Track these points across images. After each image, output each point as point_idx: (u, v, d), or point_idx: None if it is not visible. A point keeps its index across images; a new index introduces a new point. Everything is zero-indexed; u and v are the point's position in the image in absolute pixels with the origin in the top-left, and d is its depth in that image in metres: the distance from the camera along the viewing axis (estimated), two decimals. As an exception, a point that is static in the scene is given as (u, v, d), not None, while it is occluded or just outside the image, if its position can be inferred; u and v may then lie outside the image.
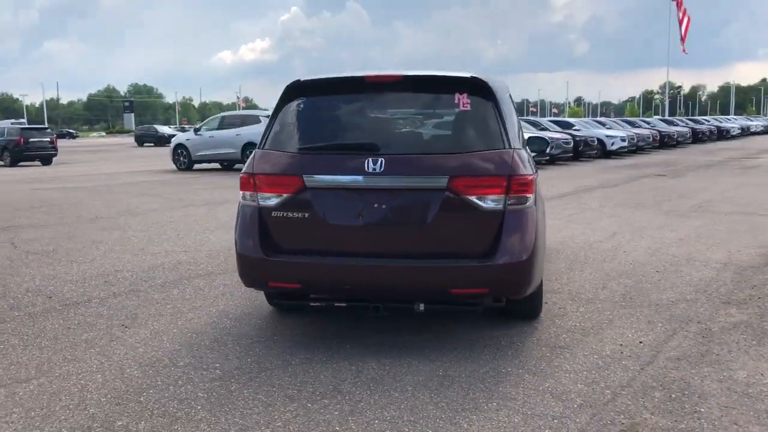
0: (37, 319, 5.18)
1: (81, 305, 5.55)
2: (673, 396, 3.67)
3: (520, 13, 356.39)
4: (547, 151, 20.88)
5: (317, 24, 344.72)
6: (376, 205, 4.18)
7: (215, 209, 11.52)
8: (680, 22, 52.38)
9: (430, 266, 4.12)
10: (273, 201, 4.32)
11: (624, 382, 3.87)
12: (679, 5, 52.37)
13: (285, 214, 4.30)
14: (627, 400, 3.62)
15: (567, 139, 23.59)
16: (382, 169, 4.12)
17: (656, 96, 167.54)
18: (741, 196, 12.95)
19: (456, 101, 4.38)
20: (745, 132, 53.13)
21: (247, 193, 4.44)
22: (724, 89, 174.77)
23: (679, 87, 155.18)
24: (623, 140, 28.01)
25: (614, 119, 40.75)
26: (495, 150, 4.21)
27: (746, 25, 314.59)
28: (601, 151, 26.45)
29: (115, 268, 6.86)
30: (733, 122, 54.30)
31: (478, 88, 4.38)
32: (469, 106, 4.36)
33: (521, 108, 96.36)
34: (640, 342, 4.53)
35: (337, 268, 4.22)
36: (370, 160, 4.15)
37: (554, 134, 23.16)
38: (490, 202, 4.11)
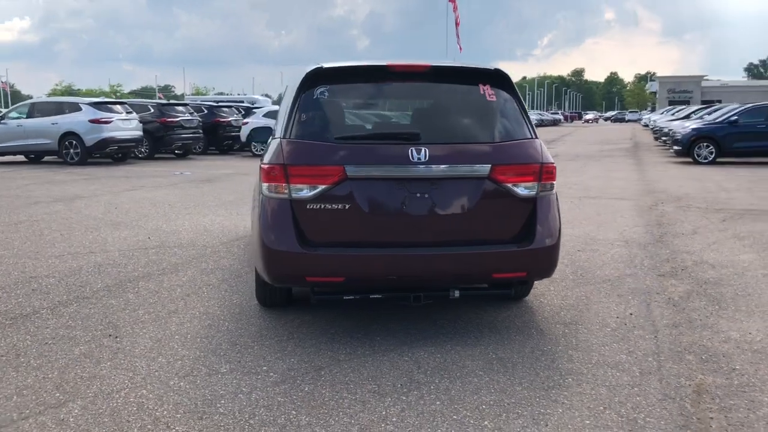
0: (-6, 336, 4.47)
1: (32, 317, 4.86)
2: (704, 357, 4.14)
3: (303, 4, 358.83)
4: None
5: (86, 4, 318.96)
6: (419, 195, 4.18)
7: (75, 205, 10.45)
8: (456, 22, 55.93)
9: (475, 252, 4.23)
10: (309, 192, 4.14)
11: (654, 349, 4.27)
12: (455, 6, 55.84)
13: (323, 206, 4.15)
14: (672, 364, 4.02)
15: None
16: (427, 158, 4.14)
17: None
18: (575, 182, 14.38)
19: (482, 92, 4.50)
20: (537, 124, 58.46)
21: (275, 184, 4.20)
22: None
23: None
24: None
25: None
26: (526, 139, 4.41)
27: (504, 28, 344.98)
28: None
29: (30, 275, 6.05)
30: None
31: (500, 79, 4.55)
32: (494, 97, 4.51)
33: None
34: (631, 314, 5.00)
35: (383, 259, 4.17)
36: (414, 149, 4.15)
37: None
38: (525, 189, 4.30)
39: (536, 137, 4.45)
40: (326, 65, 4.45)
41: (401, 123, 4.46)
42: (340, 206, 4.15)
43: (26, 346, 4.32)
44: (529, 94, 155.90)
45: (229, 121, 24.27)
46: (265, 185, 4.27)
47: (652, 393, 3.63)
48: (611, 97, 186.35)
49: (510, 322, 4.82)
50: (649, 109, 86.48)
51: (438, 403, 3.50)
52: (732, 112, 18.96)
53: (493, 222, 4.30)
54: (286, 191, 4.18)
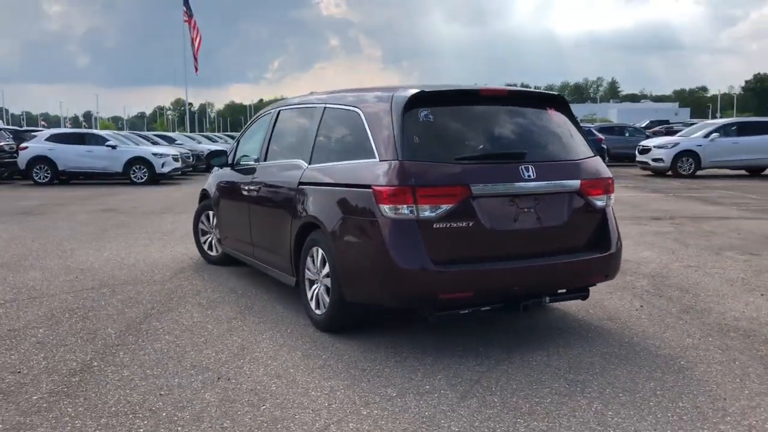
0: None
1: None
2: (743, 333, 4.97)
3: (9, 15, 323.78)
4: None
5: None
6: (526, 209, 4.49)
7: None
8: (193, 42, 53.98)
9: (576, 260, 4.64)
10: (435, 212, 4.23)
11: (703, 332, 5.00)
12: (192, 26, 54.11)
13: (449, 225, 4.27)
14: (736, 342, 4.77)
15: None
16: (534, 175, 4.47)
17: (169, 112, 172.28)
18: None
19: (551, 114, 4.94)
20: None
21: (400, 205, 4.23)
22: (230, 107, 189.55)
23: (191, 104, 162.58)
24: (176, 159, 21.52)
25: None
26: (592, 157, 4.92)
27: (236, 50, 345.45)
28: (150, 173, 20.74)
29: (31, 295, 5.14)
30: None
31: (561, 103, 5.03)
32: (561, 118, 4.98)
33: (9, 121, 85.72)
34: (641, 306, 5.74)
35: (506, 271, 4.40)
36: (523, 167, 4.46)
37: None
38: (600, 201, 4.82)
39: (596, 155, 4.99)
40: (427, 89, 4.56)
41: (505, 143, 4.71)
42: (464, 224, 4.30)
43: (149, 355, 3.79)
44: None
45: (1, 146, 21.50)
46: (386, 207, 4.26)
47: (758, 363, 4.32)
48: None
49: (565, 323, 5.27)
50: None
51: (548, 399, 3.84)
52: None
53: (581, 232, 4.75)
54: (414, 212, 4.22)
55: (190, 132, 49.82)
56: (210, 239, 7.64)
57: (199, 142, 31.73)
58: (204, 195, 7.72)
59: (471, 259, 4.35)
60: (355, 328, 4.98)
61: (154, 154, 20.83)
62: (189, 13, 48.35)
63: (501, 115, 4.80)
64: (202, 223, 7.73)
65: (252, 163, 6.49)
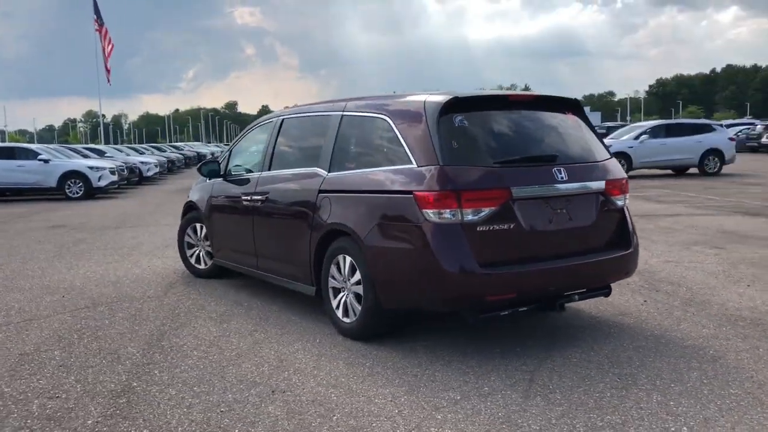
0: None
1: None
2: (751, 322, 5.24)
3: None
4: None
5: None
6: (559, 210, 4.62)
7: None
8: (104, 51, 51.71)
9: (605, 258, 4.79)
10: (479, 215, 4.30)
11: (715, 323, 5.23)
12: (104, 35, 51.80)
13: (491, 227, 4.34)
14: (749, 331, 5.03)
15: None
16: (566, 177, 4.61)
17: (81, 124, 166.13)
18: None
19: (570, 118, 5.10)
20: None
21: (443, 210, 4.27)
22: (145, 118, 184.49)
23: (104, 115, 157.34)
24: (113, 173, 20.60)
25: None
26: (609, 159, 5.09)
27: (147, 61, 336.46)
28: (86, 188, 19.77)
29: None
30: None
31: (578, 107, 5.19)
32: (579, 121, 5.14)
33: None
34: (645, 301, 5.97)
35: (545, 272, 4.50)
36: (556, 169, 4.58)
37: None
38: (619, 201, 5.00)
39: (612, 157, 5.17)
40: (459, 95, 4.62)
41: (537, 146, 4.80)
42: (505, 226, 4.38)
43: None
44: (187, 127, 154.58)
45: None
46: (430, 211, 4.29)
47: (774, 352, 4.57)
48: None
49: (594, 319, 5.43)
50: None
51: (613, 390, 3.99)
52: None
53: (605, 231, 4.91)
54: (458, 215, 4.27)
55: (105, 144, 47.90)
56: (197, 252, 7.46)
57: (128, 155, 30.75)
58: (189, 207, 7.54)
59: (513, 261, 4.43)
60: (386, 334, 4.97)
61: (90, 168, 19.98)
62: (100, 22, 46.48)
63: (529, 119, 4.91)
64: (188, 236, 7.53)
65: (252, 173, 6.39)
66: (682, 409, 3.66)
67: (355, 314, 4.94)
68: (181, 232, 7.60)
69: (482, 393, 3.95)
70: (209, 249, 7.23)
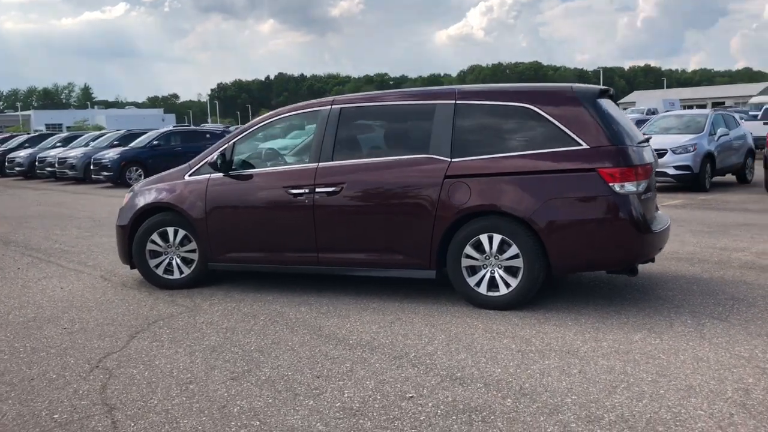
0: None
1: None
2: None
3: None
4: None
5: None
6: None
7: None
8: None
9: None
10: (640, 187, 5.29)
11: (742, 295, 6.74)
12: None
13: (644, 196, 5.38)
14: None
15: None
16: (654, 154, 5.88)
17: None
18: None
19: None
20: None
21: (625, 183, 5.16)
22: None
23: None
24: None
25: None
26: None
27: None
28: None
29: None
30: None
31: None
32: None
33: None
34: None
35: (663, 232, 5.68)
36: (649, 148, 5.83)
37: None
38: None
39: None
40: (600, 87, 5.49)
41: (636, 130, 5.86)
42: (649, 194, 5.47)
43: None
44: None
45: None
46: (617, 185, 5.12)
47: None
48: None
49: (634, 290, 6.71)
50: None
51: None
52: (153, 137, 20.77)
53: None
54: (635, 187, 5.21)
55: None
56: (167, 261, 6.54)
57: None
58: (154, 209, 6.55)
59: (653, 224, 5.50)
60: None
61: None
62: None
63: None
64: (153, 243, 6.53)
65: (291, 164, 6.09)
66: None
67: (507, 287, 5.39)
68: (142, 240, 6.54)
69: (705, 335, 4.73)
70: (189, 255, 6.46)
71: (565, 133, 5.29)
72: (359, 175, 5.83)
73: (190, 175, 6.52)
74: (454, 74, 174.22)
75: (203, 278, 6.55)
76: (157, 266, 6.57)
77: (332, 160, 5.94)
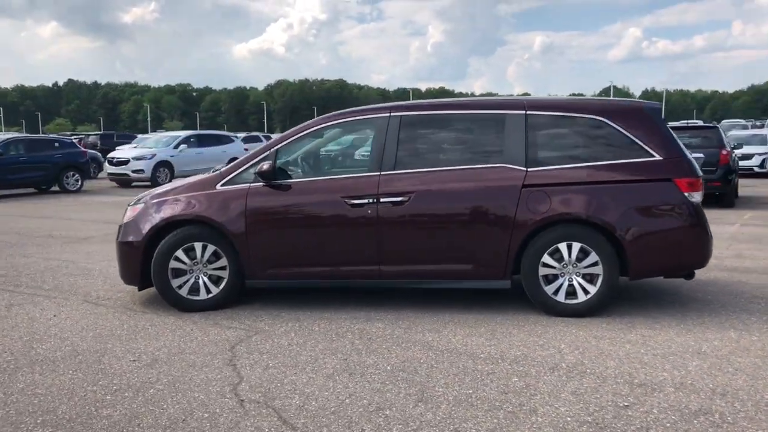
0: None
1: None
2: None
3: None
4: None
5: None
6: None
7: None
8: None
9: None
10: (701, 196, 5.70)
11: (757, 293, 7.53)
12: None
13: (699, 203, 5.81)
14: None
15: None
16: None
17: None
18: None
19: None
20: None
21: (695, 193, 5.54)
22: None
23: None
24: None
25: None
26: None
27: None
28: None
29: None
30: None
31: None
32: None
33: None
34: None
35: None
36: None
37: None
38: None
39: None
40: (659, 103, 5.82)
41: None
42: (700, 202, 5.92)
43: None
44: None
45: None
46: (690, 194, 5.50)
47: None
48: None
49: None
50: None
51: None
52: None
53: None
54: (700, 197, 5.61)
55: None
56: (194, 279, 5.89)
57: None
58: (180, 222, 5.87)
59: None
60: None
61: None
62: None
63: None
64: (178, 260, 5.85)
65: (348, 174, 5.80)
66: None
67: (585, 293, 5.53)
68: (163, 259, 5.81)
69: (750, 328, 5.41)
70: (217, 273, 5.88)
71: (639, 145, 5.56)
72: (429, 184, 5.68)
73: (222, 185, 5.94)
74: (260, 87, 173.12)
75: (233, 299, 5.97)
76: (180, 286, 5.89)
77: (395, 169, 5.73)
